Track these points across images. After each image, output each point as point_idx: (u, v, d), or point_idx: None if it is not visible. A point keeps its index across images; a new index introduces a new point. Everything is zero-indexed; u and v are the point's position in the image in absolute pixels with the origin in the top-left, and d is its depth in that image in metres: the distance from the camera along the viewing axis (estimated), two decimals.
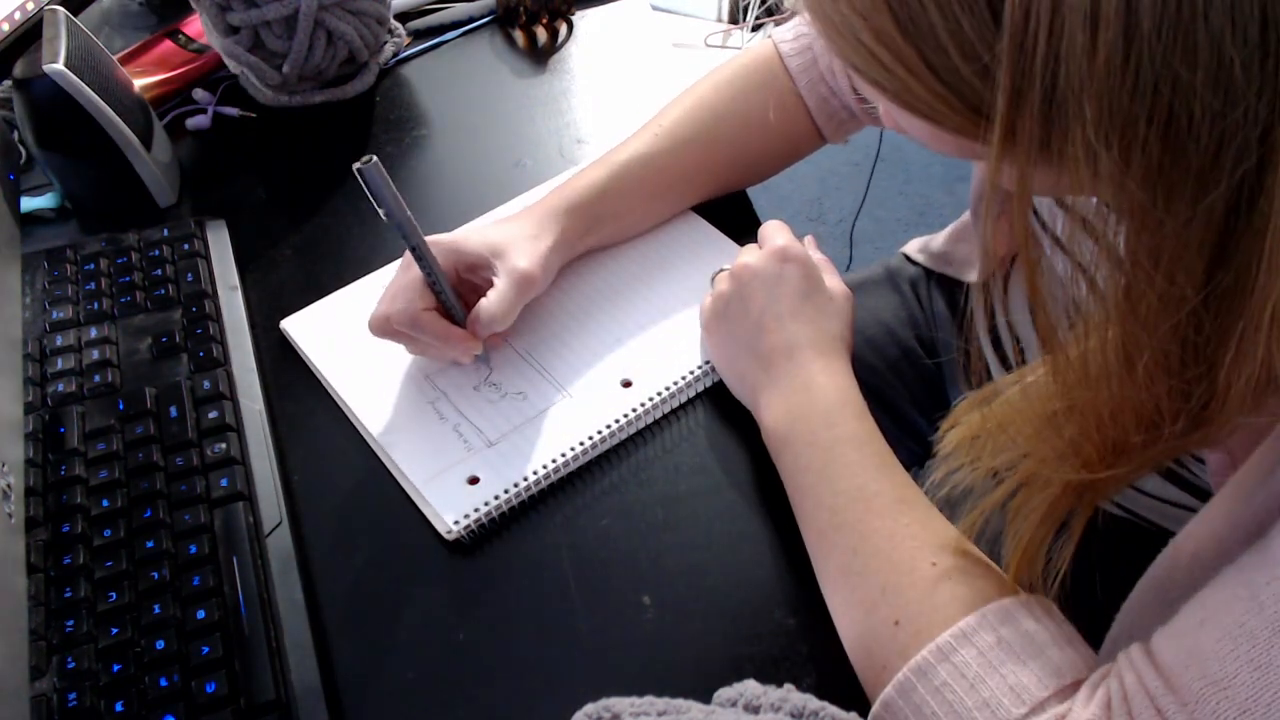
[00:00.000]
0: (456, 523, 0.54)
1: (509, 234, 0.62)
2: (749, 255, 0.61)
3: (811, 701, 0.41)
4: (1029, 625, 0.42)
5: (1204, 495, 0.49)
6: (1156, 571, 0.44)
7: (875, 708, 0.44)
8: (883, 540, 0.47)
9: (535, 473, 0.56)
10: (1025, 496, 0.43)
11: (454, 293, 0.60)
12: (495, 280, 0.60)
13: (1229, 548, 0.38)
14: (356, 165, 0.52)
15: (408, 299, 0.59)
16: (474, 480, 0.56)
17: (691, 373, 0.61)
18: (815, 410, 0.53)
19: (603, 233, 0.67)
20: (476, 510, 0.55)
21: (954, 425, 0.47)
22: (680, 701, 0.40)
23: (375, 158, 0.52)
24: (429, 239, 0.59)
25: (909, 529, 0.47)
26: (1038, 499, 0.42)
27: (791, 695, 0.41)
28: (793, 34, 0.70)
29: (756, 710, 0.41)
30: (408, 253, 0.58)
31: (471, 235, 0.62)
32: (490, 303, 0.59)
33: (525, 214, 0.64)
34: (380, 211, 0.54)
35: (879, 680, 0.44)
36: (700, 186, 0.71)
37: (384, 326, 0.59)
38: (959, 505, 0.47)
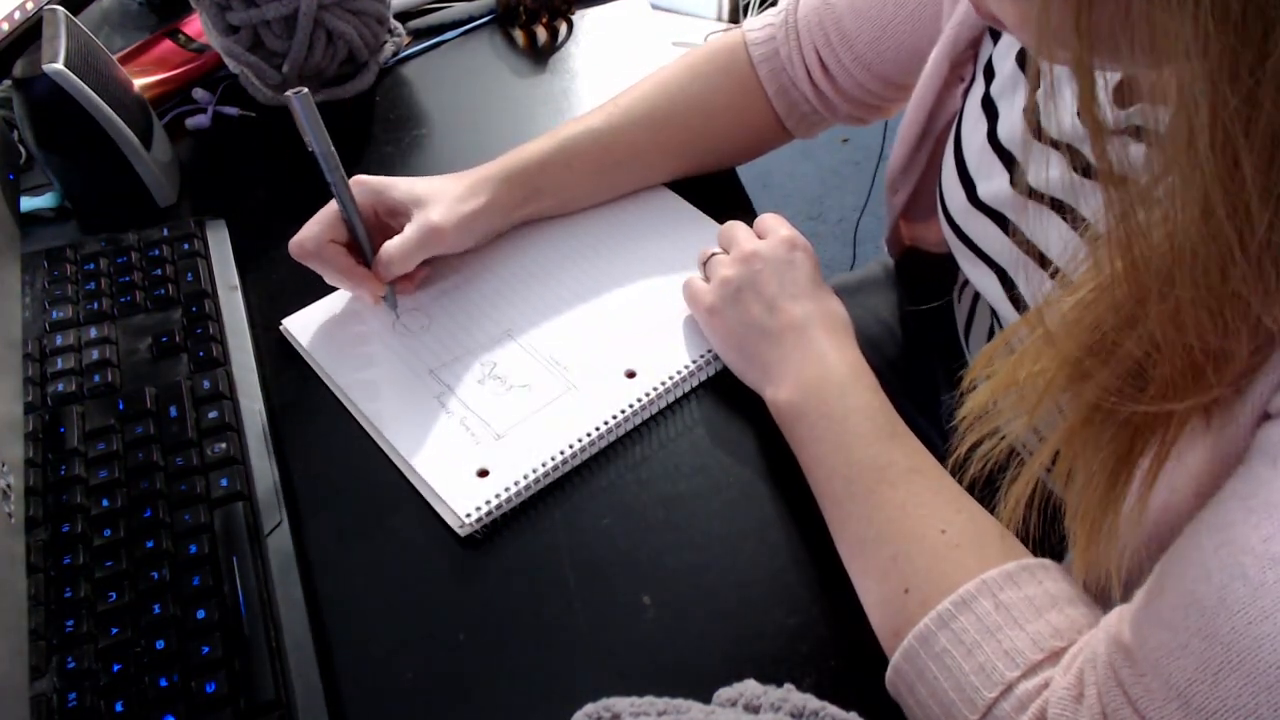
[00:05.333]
0: (469, 515, 0.54)
1: (437, 189, 0.64)
2: (750, 241, 0.61)
3: (811, 701, 0.41)
4: (1030, 589, 0.43)
5: None
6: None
7: (888, 673, 0.45)
8: (894, 509, 0.48)
9: (545, 464, 0.56)
10: (1073, 458, 0.38)
11: (367, 232, 0.62)
12: (406, 227, 0.62)
13: (1207, 491, 0.37)
14: (288, 93, 0.55)
15: (320, 228, 0.62)
16: (484, 473, 0.56)
17: (694, 362, 0.61)
18: (828, 383, 0.54)
19: (543, 203, 0.69)
20: (488, 502, 0.55)
21: (973, 385, 0.43)
22: (680, 701, 0.40)
23: (306, 90, 0.56)
24: (359, 178, 0.62)
25: (920, 497, 0.48)
26: (1096, 458, 0.37)
27: (791, 695, 0.41)
28: (760, 24, 0.71)
29: (756, 710, 0.41)
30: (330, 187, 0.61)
31: (401, 182, 0.64)
32: (391, 245, 0.61)
33: (463, 175, 0.66)
34: (305, 141, 0.57)
35: (892, 646, 0.46)
36: (655, 166, 0.72)
37: (298, 249, 0.63)
38: (995, 482, 0.44)
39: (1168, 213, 0.31)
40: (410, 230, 0.62)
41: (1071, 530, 0.40)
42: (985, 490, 0.47)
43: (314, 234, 0.62)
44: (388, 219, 0.64)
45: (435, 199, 0.63)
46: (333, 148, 0.58)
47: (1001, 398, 0.41)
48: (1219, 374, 0.34)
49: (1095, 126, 0.32)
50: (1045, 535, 0.47)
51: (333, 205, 0.62)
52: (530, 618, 0.51)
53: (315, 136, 0.57)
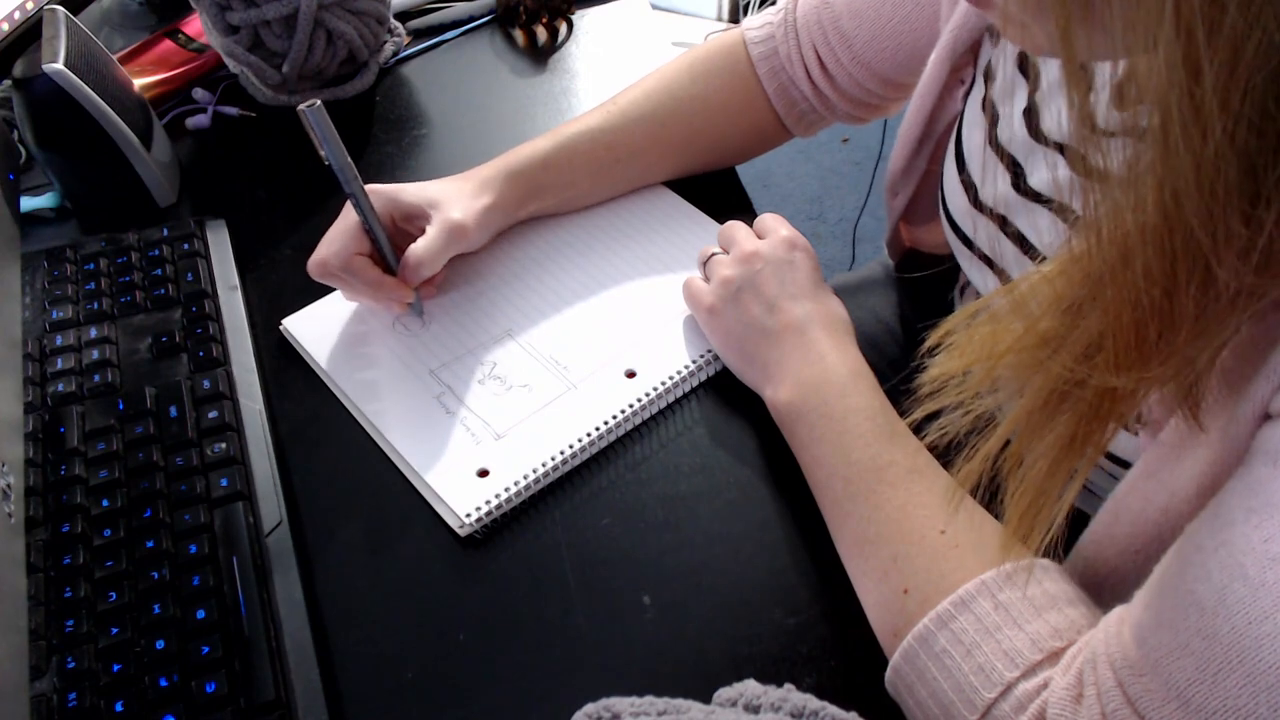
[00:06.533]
0: (469, 515, 0.54)
1: (448, 190, 0.65)
2: (750, 241, 0.61)
3: (811, 701, 0.41)
4: (1030, 589, 0.43)
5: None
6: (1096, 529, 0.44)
7: (888, 673, 0.45)
8: (894, 510, 0.48)
9: (545, 464, 0.56)
10: (1026, 442, 0.38)
11: (389, 240, 0.62)
12: (428, 229, 0.62)
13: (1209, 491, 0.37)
14: (301, 107, 0.55)
15: (343, 243, 0.61)
16: (484, 473, 0.56)
17: (694, 362, 0.61)
18: (828, 383, 0.54)
19: (545, 201, 0.69)
20: (488, 502, 0.55)
21: (939, 344, 0.43)
22: (680, 701, 0.40)
23: (320, 102, 0.55)
24: (369, 187, 0.62)
25: (920, 498, 0.48)
26: (1046, 440, 0.37)
27: (791, 695, 0.41)
28: (759, 23, 0.72)
29: (756, 710, 0.41)
30: (349, 199, 0.61)
31: (411, 187, 0.64)
32: (419, 247, 0.61)
33: (467, 175, 0.66)
34: (321, 154, 0.57)
35: (892, 646, 0.46)
36: (654, 164, 0.72)
37: (321, 269, 0.62)
38: (951, 457, 0.43)
39: (1139, 195, 0.31)
40: (434, 231, 0.62)
41: (1005, 511, 0.40)
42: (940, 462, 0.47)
43: (337, 250, 0.61)
44: (404, 224, 0.65)
45: (450, 199, 0.64)
46: (349, 159, 0.58)
47: (972, 367, 0.40)
48: (1159, 352, 0.34)
49: (1074, 76, 0.31)
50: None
51: (348, 218, 0.62)
52: (530, 618, 0.51)
53: (331, 150, 0.57)
